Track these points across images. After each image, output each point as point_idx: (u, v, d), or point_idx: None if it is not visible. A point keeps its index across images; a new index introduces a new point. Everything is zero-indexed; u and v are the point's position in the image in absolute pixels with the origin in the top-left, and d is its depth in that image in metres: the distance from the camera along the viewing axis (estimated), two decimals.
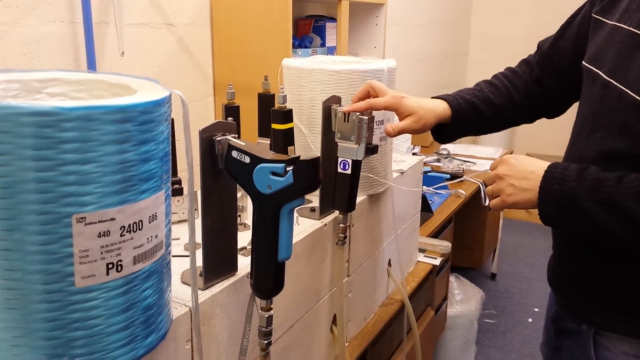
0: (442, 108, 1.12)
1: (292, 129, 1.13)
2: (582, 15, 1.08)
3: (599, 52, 0.95)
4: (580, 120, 0.98)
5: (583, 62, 0.99)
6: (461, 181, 2.69)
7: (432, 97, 1.15)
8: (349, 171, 1.06)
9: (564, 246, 1.04)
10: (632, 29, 0.89)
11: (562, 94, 1.14)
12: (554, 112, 1.20)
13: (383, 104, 1.07)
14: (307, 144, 1.20)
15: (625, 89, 0.86)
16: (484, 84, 1.19)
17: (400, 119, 1.11)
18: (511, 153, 3.48)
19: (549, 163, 0.92)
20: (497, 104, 1.15)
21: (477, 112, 1.14)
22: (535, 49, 1.22)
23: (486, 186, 1.00)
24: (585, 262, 0.98)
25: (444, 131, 1.16)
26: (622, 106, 0.87)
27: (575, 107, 1.09)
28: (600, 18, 0.99)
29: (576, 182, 0.87)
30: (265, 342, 0.83)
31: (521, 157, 0.96)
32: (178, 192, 1.05)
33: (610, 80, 0.89)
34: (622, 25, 0.91)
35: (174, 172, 1.03)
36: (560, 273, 1.06)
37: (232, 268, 0.87)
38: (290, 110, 1.12)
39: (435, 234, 2.14)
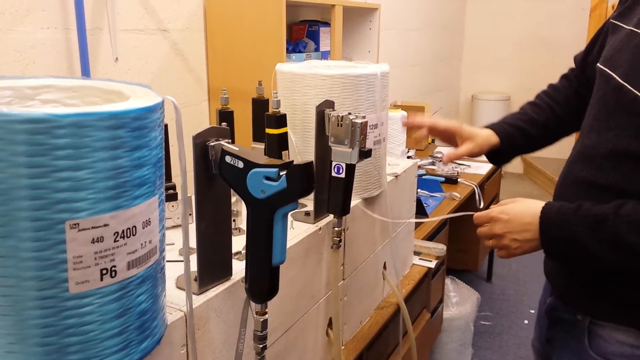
0: (492, 135, 1.22)
1: (286, 133, 1.14)
2: (606, 27, 1.11)
3: (614, 55, 0.97)
4: (592, 119, 1.00)
5: (597, 64, 1.01)
6: (456, 184, 2.69)
7: (481, 127, 1.26)
8: (343, 175, 1.06)
9: None
10: None
11: None
12: None
13: (445, 125, 1.21)
14: (300, 148, 1.21)
15: (639, 94, 0.88)
16: (527, 106, 1.27)
17: (459, 144, 1.23)
18: None
19: (540, 206, 0.95)
20: (542, 122, 1.23)
21: (525, 133, 1.22)
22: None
23: (481, 236, 1.04)
24: None
25: (499, 155, 1.25)
26: (637, 110, 0.89)
27: None
28: (618, 23, 1.01)
29: (575, 224, 0.90)
30: (261, 346, 0.83)
31: (510, 208, 0.99)
32: (172, 197, 1.05)
33: (624, 83, 0.91)
34: (638, 30, 0.93)
35: (168, 178, 1.03)
36: (556, 264, 1.07)
37: (227, 273, 0.87)
38: (284, 115, 1.13)
39: (430, 237, 2.14)
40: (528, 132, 1.22)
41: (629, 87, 0.90)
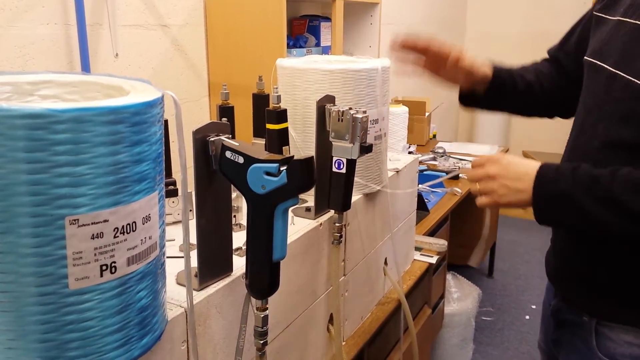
0: (488, 64, 1.17)
1: (286, 129, 1.13)
2: (587, 18, 1.10)
3: (603, 47, 0.96)
4: (584, 113, 0.99)
5: (585, 57, 1.00)
6: (457, 179, 2.69)
7: None
8: (343, 170, 1.06)
9: (563, 238, 1.05)
10: (638, 22, 0.90)
11: (573, 94, 1.15)
12: (569, 111, 1.20)
13: (439, 46, 1.13)
14: (301, 143, 1.20)
15: (633, 79, 0.87)
16: (515, 66, 1.23)
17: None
18: (507, 151, 3.50)
19: (539, 163, 0.93)
20: (529, 79, 1.19)
21: (513, 81, 1.18)
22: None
23: (470, 182, 1.00)
24: (586, 253, 0.98)
25: (475, 95, 1.19)
26: (628, 95, 0.88)
27: None
28: (603, 15, 1.00)
29: (571, 180, 0.88)
30: (261, 342, 0.83)
31: (511, 157, 0.96)
32: (173, 193, 1.05)
33: (617, 71, 0.91)
34: (627, 19, 0.93)
35: (169, 173, 1.03)
36: (559, 265, 1.06)
37: (227, 268, 0.87)
38: (285, 110, 1.12)
39: (432, 233, 2.14)
40: (516, 83, 1.18)
41: (622, 74, 0.89)
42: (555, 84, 1.19)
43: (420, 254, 1.77)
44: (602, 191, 0.85)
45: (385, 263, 1.47)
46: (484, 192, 0.97)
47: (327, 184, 1.08)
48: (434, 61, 1.17)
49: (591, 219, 0.87)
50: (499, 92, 1.18)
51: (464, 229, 2.97)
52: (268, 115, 1.11)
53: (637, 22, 0.90)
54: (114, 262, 0.58)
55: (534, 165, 0.93)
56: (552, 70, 1.21)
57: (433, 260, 1.75)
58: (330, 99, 1.10)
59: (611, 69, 0.92)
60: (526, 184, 0.92)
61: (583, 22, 1.12)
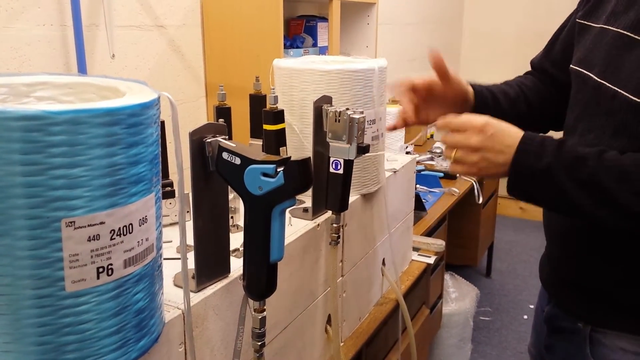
0: (469, 86, 1.13)
1: (283, 129, 1.13)
2: (570, 25, 1.09)
3: (588, 55, 0.95)
4: (573, 121, 0.98)
5: (571, 66, 1.00)
6: (455, 179, 2.69)
7: None
8: (341, 171, 1.06)
9: (557, 244, 1.04)
10: (620, 30, 0.89)
11: (563, 106, 1.14)
12: (559, 121, 1.16)
13: (422, 79, 1.13)
14: (300, 144, 1.20)
15: (619, 90, 0.86)
16: (498, 84, 1.20)
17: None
18: None
19: (522, 133, 0.88)
20: (512, 96, 1.15)
21: (496, 100, 1.13)
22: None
23: (445, 145, 0.94)
24: (580, 258, 0.98)
25: None
26: (617, 107, 0.86)
27: None
28: (586, 22, 1.00)
29: (554, 157, 0.85)
30: (259, 343, 0.83)
31: (495, 123, 0.89)
32: (169, 194, 1.04)
33: (602, 81, 0.89)
34: (609, 27, 0.92)
35: (165, 175, 1.03)
36: (553, 271, 1.06)
37: (225, 270, 0.87)
38: (282, 111, 1.12)
39: (429, 233, 2.14)
40: (499, 101, 1.13)
41: (607, 84, 0.88)
42: (543, 97, 1.16)
43: (418, 254, 1.77)
44: (585, 174, 0.82)
45: (383, 263, 1.47)
46: (461, 161, 0.91)
47: (325, 184, 1.08)
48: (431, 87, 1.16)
49: (565, 200, 0.84)
50: (482, 111, 1.11)
51: (461, 229, 2.97)
52: (265, 116, 1.11)
53: (619, 30, 0.89)
54: (111, 265, 0.58)
55: (517, 136, 0.88)
56: (538, 83, 1.17)
57: (431, 260, 1.75)
58: (327, 99, 1.10)
59: (597, 78, 0.90)
60: (507, 157, 0.87)
61: (565, 28, 1.10)
